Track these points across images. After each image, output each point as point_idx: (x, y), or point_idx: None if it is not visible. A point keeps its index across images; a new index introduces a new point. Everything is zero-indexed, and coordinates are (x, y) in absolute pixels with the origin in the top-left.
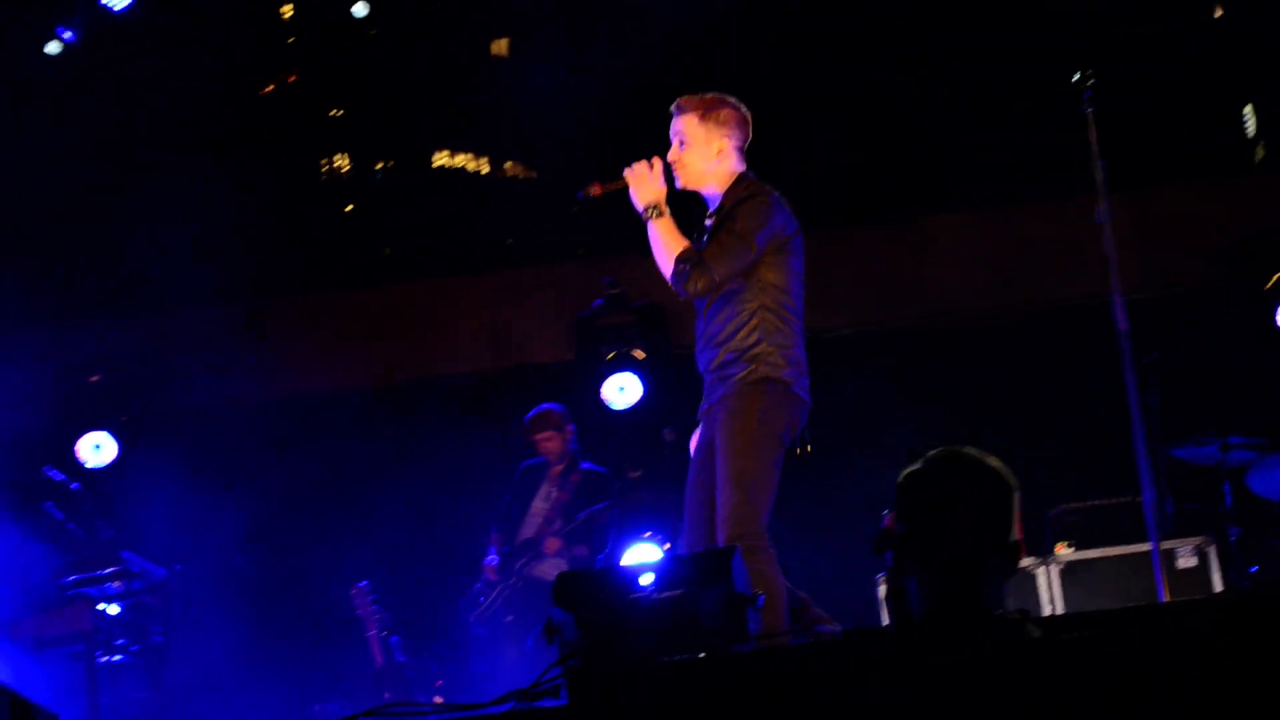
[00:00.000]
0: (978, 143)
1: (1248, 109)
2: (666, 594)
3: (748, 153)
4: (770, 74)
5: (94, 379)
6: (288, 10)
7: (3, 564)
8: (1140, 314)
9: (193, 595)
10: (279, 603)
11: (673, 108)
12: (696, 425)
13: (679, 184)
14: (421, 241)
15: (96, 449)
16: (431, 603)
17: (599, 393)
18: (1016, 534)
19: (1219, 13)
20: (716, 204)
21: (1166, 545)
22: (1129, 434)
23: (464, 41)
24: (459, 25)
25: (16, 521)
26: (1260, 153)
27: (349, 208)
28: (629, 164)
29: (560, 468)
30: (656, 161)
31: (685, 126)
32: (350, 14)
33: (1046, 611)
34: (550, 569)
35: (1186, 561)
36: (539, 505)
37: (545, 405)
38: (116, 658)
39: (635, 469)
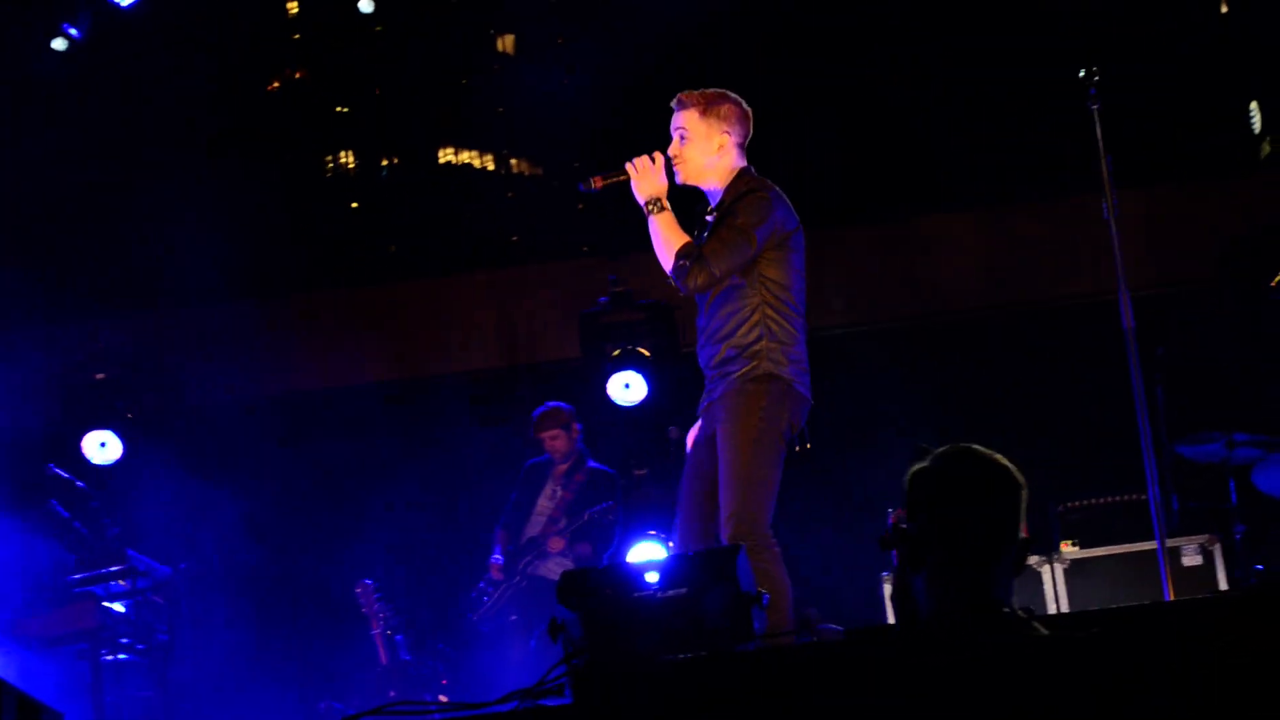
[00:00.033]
0: (976, 142)
1: (1253, 105)
2: (671, 592)
3: (749, 148)
4: (767, 73)
5: (99, 377)
6: (293, 7)
7: (8, 561)
8: (1145, 311)
9: (198, 593)
10: (284, 601)
11: (674, 103)
12: (696, 420)
13: (679, 179)
14: (426, 238)
15: (102, 447)
16: (437, 601)
17: (605, 390)
18: (1024, 532)
19: (1225, 8)
20: (717, 199)
21: (1171, 543)
22: (1134, 431)
23: (469, 39)
24: (464, 22)
25: (21, 519)
26: (1266, 149)
27: (354, 205)
28: (631, 158)
29: (566, 466)
30: (658, 156)
31: (686, 121)
32: (355, 11)
33: (1051, 609)
34: (554, 568)
35: (1192, 559)
36: (544, 504)
37: (552, 403)
38: (122, 656)
39: (640, 466)
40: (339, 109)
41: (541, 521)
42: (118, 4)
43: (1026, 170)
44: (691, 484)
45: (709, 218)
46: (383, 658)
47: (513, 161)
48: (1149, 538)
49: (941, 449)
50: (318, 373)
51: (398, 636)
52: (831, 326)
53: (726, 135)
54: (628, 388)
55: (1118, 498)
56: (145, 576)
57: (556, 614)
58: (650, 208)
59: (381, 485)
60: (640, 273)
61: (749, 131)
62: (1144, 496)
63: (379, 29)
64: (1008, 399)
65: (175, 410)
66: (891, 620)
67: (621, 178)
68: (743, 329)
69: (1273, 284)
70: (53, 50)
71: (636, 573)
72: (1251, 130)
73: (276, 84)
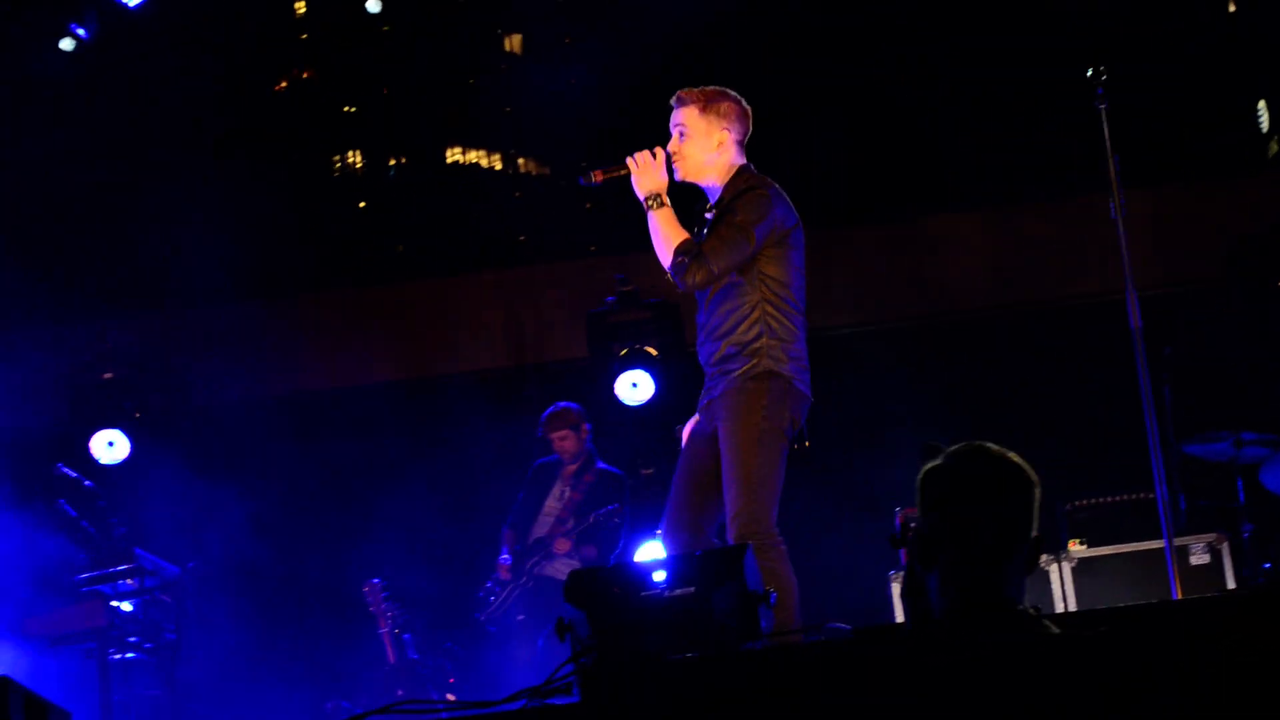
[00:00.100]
0: (983, 142)
1: (1261, 104)
2: (678, 592)
3: (751, 149)
4: (774, 73)
5: (107, 376)
6: (301, 7)
7: (15, 558)
8: (1152, 310)
9: (206, 593)
10: (292, 600)
11: (673, 100)
12: (694, 414)
13: (678, 176)
14: (434, 238)
15: (109, 446)
16: (444, 600)
17: (612, 389)
18: (1036, 530)
19: (1232, 7)
20: (716, 197)
21: (1179, 542)
22: (1141, 431)
23: (477, 38)
24: (472, 22)
25: (29, 517)
26: (1274, 148)
27: (362, 204)
28: (632, 153)
29: (574, 467)
30: (659, 152)
31: (686, 118)
32: (363, 11)
33: (1059, 608)
34: (561, 568)
35: (1199, 558)
36: (552, 504)
37: (562, 404)
38: (129, 655)
39: (648, 466)
40: (347, 109)
41: (549, 522)
42: (125, 4)
43: (1034, 170)
44: (684, 476)
45: (708, 215)
46: (390, 657)
47: (520, 161)
48: (1157, 537)
49: (954, 447)
50: (325, 372)
51: (405, 635)
52: (839, 326)
53: (726, 132)
54: (635, 387)
55: (1125, 497)
56: (153, 576)
57: (564, 613)
58: (650, 203)
59: (389, 485)
60: (647, 272)
61: (748, 129)
62: (1152, 495)
63: (386, 29)
64: (1015, 398)
65: (183, 410)
66: (900, 619)
67: (622, 172)
68: (742, 326)
69: None
70: (60, 50)
71: (644, 572)
72: (1260, 129)
73: (284, 84)
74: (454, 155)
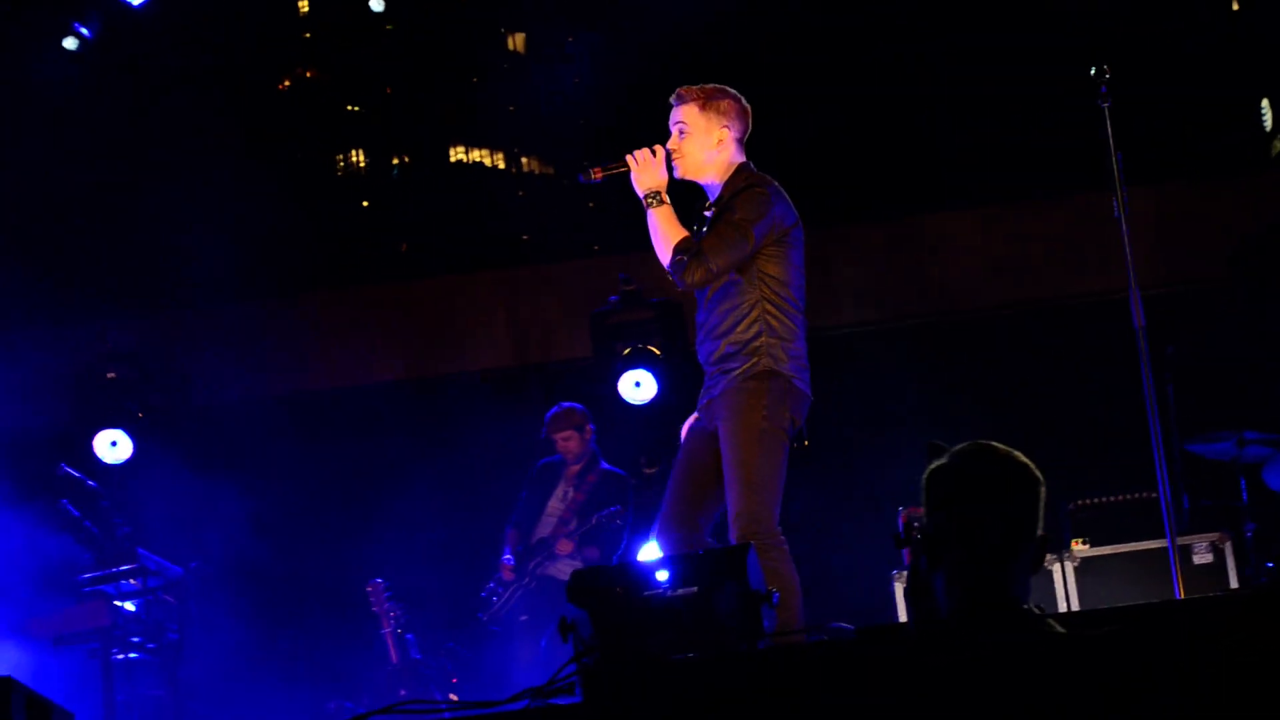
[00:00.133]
0: (984, 140)
1: (1264, 103)
2: (681, 592)
3: (751, 148)
4: (775, 72)
5: (110, 376)
6: (304, 6)
7: (18, 557)
8: (1154, 309)
9: (209, 593)
10: (294, 600)
11: (673, 97)
12: (693, 412)
13: (677, 173)
14: (437, 237)
15: (112, 446)
16: (447, 600)
17: (615, 389)
18: (1042, 529)
19: (1235, 6)
20: (716, 194)
21: (1182, 541)
22: (1144, 430)
23: (480, 38)
24: (474, 21)
25: (32, 516)
26: (1277, 146)
27: (365, 203)
28: (631, 150)
29: (578, 468)
30: (659, 149)
31: (686, 116)
32: (366, 10)
33: (1062, 608)
34: (564, 568)
35: (1202, 557)
36: (555, 505)
37: (566, 404)
38: (132, 655)
39: (651, 466)
40: (350, 108)
41: (552, 522)
42: (129, 3)
43: (1035, 168)
44: (681, 473)
45: (707, 213)
46: (393, 657)
47: (523, 160)
48: (1160, 536)
49: (959, 446)
50: (328, 372)
51: (408, 635)
52: (841, 326)
53: (726, 130)
54: (638, 386)
55: (1128, 496)
56: (156, 576)
57: (566, 613)
58: (649, 201)
59: (392, 484)
60: (651, 271)
61: (748, 127)
62: (1155, 495)
63: (389, 28)
64: (1018, 398)
65: (185, 410)
66: (903, 619)
67: (621, 169)
68: (742, 325)
69: None
70: (63, 49)
71: (647, 571)
72: (1262, 128)
73: (287, 83)
74: (457, 154)
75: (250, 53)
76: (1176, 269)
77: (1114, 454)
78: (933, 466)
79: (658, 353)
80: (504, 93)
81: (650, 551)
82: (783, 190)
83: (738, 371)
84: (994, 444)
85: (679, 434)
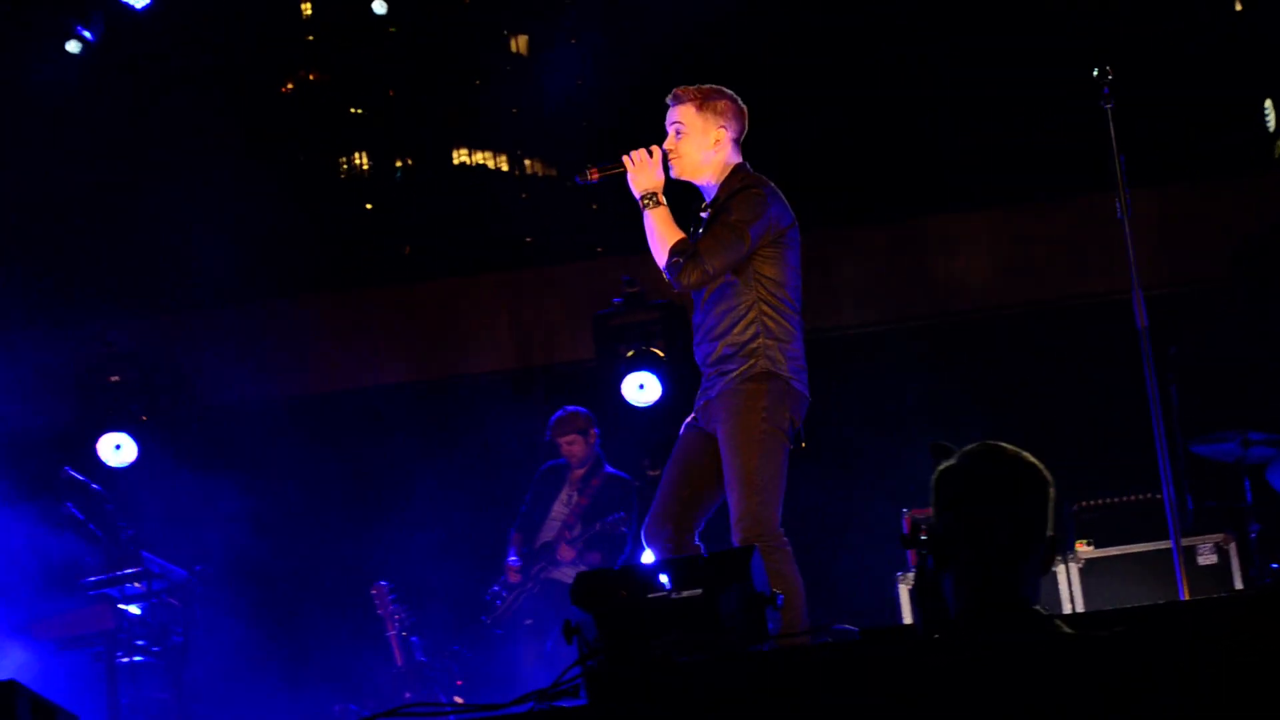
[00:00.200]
0: (986, 142)
1: (1268, 104)
2: (686, 594)
3: (756, 148)
4: (778, 73)
5: (114, 379)
6: (307, 9)
7: (24, 561)
8: (1157, 310)
9: (213, 595)
10: (299, 603)
11: (669, 98)
12: (690, 413)
13: (674, 173)
14: (440, 240)
15: (117, 449)
16: (452, 602)
17: (619, 391)
18: (1051, 529)
19: (1239, 6)
20: (712, 195)
21: (1187, 542)
22: (1148, 431)
23: (482, 40)
24: (477, 23)
25: (35, 517)
26: None
27: (368, 206)
28: (627, 151)
29: (582, 471)
30: (656, 150)
31: (682, 116)
32: (369, 13)
33: (1066, 609)
34: (569, 571)
35: (1207, 558)
36: (559, 509)
37: (570, 408)
38: (137, 658)
39: (655, 468)
40: (353, 110)
41: (556, 526)
42: (132, 6)
43: (1037, 170)
44: (674, 472)
45: (703, 214)
46: (398, 659)
47: (526, 162)
48: (1164, 537)
49: (968, 447)
50: (331, 374)
51: (413, 638)
52: (844, 326)
53: (723, 130)
54: (642, 388)
55: (1132, 497)
56: (160, 579)
57: (571, 616)
58: (646, 202)
59: (395, 487)
60: (653, 273)
61: (745, 128)
62: (1159, 496)
63: (392, 30)
64: (1021, 399)
65: (190, 412)
66: (908, 620)
67: (618, 170)
68: (739, 326)
69: None
70: (66, 51)
71: (651, 574)
72: (1266, 129)
73: (290, 85)
74: (460, 156)
75: (253, 55)
76: (1179, 270)
77: (1118, 455)
78: (942, 467)
79: (661, 354)
80: (507, 95)
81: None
82: (779, 191)
83: (735, 373)
84: (1003, 444)
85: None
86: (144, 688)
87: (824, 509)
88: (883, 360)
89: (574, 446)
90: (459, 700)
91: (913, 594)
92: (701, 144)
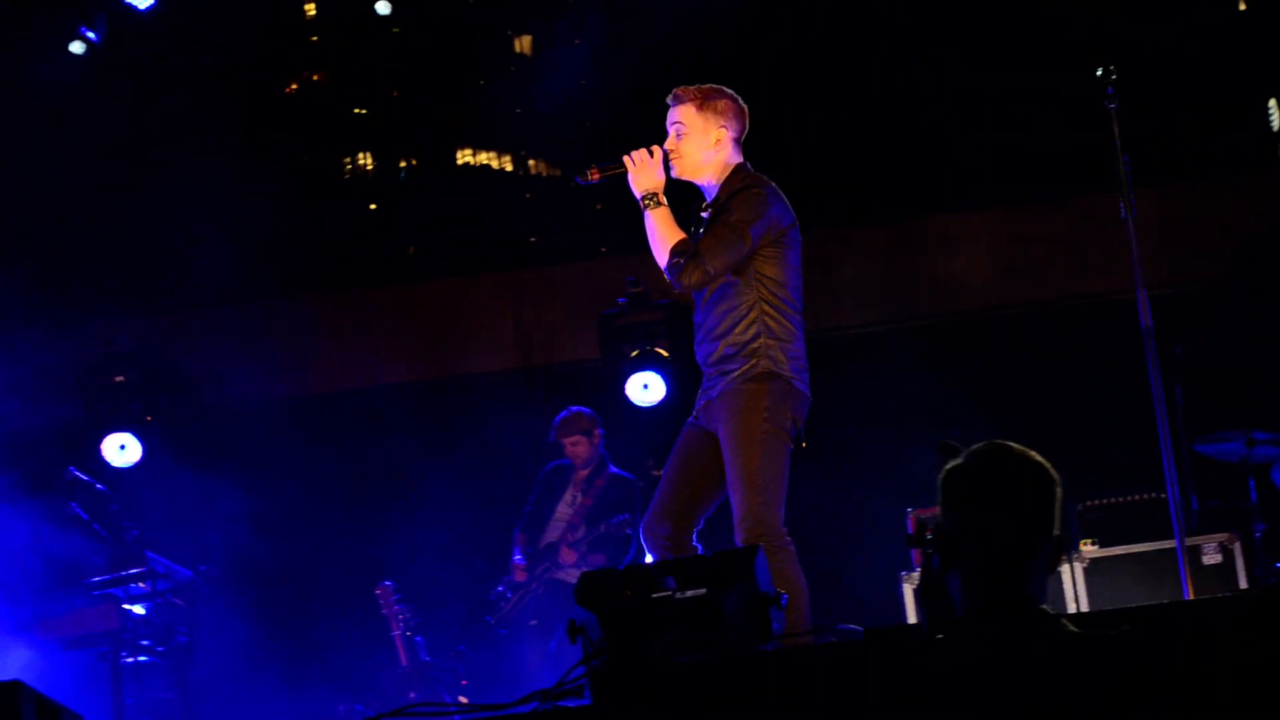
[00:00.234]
0: (988, 142)
1: (1272, 103)
2: (690, 593)
3: (757, 148)
4: (779, 72)
5: (118, 379)
6: (311, 9)
7: (28, 561)
8: (1161, 310)
9: (218, 596)
10: (304, 603)
11: (670, 98)
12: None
13: (675, 173)
14: (444, 240)
15: (121, 450)
16: (457, 602)
17: (623, 390)
18: (1058, 529)
19: (1243, 5)
20: (713, 195)
21: (1191, 542)
22: (1152, 430)
23: (486, 40)
24: (481, 23)
25: (40, 516)
26: None
27: (372, 206)
28: (628, 151)
29: (586, 472)
30: (656, 150)
31: (683, 116)
32: (372, 13)
33: (1071, 609)
34: (573, 572)
35: (1211, 558)
36: (563, 510)
37: (575, 408)
38: (142, 658)
39: (659, 467)
40: (357, 111)
41: (560, 527)
42: (135, 7)
43: (1038, 170)
44: (674, 471)
45: (704, 214)
46: (403, 659)
47: (530, 162)
48: (1168, 536)
49: (975, 446)
50: (336, 374)
51: (417, 638)
52: (844, 327)
53: (723, 130)
54: (646, 388)
55: (1137, 497)
56: (165, 579)
57: (575, 616)
58: (647, 202)
59: (399, 487)
60: (658, 273)
61: (745, 127)
62: (1163, 495)
63: (396, 31)
64: (1023, 400)
65: (194, 412)
66: (912, 620)
67: (619, 170)
68: (740, 326)
69: None
70: (71, 52)
71: (655, 573)
72: (1270, 128)
73: (294, 86)
74: (464, 156)
75: (257, 55)
76: (1181, 270)
77: (1122, 455)
78: (949, 466)
79: (665, 354)
80: (510, 95)
81: None
82: (780, 191)
83: (737, 373)
84: (1010, 444)
85: None
86: (149, 688)
87: (825, 510)
88: (883, 360)
89: (578, 447)
90: (463, 700)
91: (918, 593)
92: (702, 144)
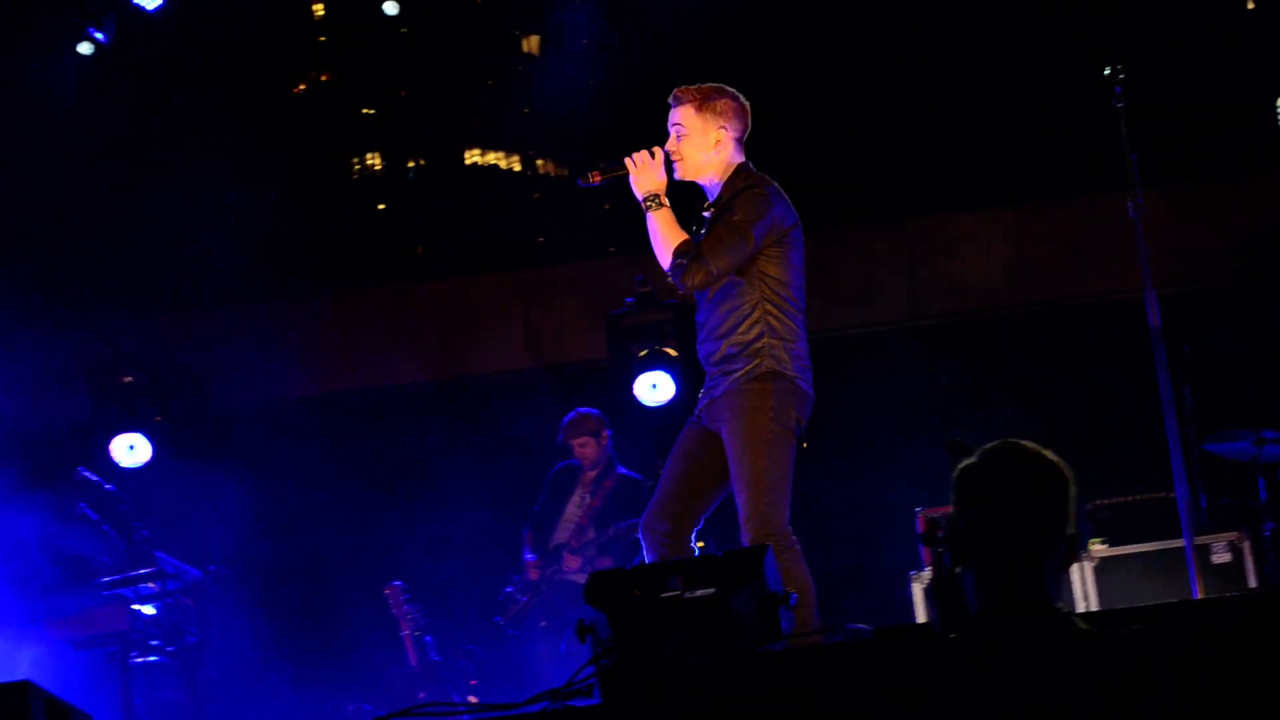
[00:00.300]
0: (994, 142)
1: (1279, 103)
2: (699, 593)
3: (758, 149)
4: (782, 72)
5: (127, 379)
6: (319, 9)
7: (38, 560)
8: (1169, 309)
9: (227, 596)
10: (313, 603)
11: (670, 98)
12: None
13: (677, 174)
14: (452, 240)
15: (130, 450)
16: (466, 602)
17: (632, 390)
18: (1072, 527)
19: (1251, 4)
20: (715, 195)
21: (1200, 541)
22: (1161, 429)
23: (495, 40)
24: (489, 23)
25: (51, 519)
26: None
27: (381, 206)
28: (630, 152)
29: (594, 473)
30: (658, 151)
31: (682, 117)
32: (380, 13)
33: (1080, 608)
34: (580, 575)
35: (1220, 557)
36: (572, 511)
37: (583, 410)
38: (151, 658)
39: None
40: (365, 111)
41: (570, 528)
42: (143, 7)
43: (1040, 170)
44: (675, 469)
45: (706, 214)
46: (412, 659)
47: (539, 162)
48: (1178, 535)
49: (989, 445)
50: (344, 374)
51: (427, 638)
52: (845, 327)
53: (723, 131)
54: (655, 388)
55: (1146, 496)
56: (174, 579)
57: (584, 616)
58: (649, 204)
59: (408, 486)
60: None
61: (747, 126)
62: (1172, 494)
63: (404, 31)
64: (1030, 399)
65: (203, 412)
66: (920, 619)
67: (620, 172)
68: (743, 326)
69: None
70: (87, 52)
71: (664, 573)
72: (1278, 126)
73: (302, 86)
74: (473, 156)
75: (265, 56)
76: (1188, 269)
77: (1131, 454)
78: (963, 465)
79: (674, 354)
80: (518, 95)
81: None
82: (782, 190)
83: (740, 373)
84: (1024, 442)
85: None
86: (158, 688)
87: (832, 509)
88: (883, 361)
89: (586, 449)
90: (473, 700)
91: (928, 592)
92: (702, 145)
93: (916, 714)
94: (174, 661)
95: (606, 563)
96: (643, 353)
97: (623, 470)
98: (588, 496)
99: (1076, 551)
